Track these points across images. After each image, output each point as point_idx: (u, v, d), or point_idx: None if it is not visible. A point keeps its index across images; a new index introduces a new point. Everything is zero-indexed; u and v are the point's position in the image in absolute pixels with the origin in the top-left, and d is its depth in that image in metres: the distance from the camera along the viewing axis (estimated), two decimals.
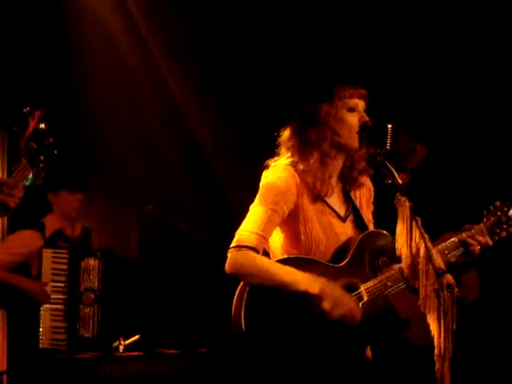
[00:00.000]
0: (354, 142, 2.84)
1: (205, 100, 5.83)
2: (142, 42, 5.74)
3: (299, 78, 5.00)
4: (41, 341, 4.78)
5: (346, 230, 2.91)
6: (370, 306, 2.78)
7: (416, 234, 2.69)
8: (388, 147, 2.78)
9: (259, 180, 2.89)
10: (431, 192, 4.12)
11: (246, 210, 2.85)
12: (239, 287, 2.74)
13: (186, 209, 5.74)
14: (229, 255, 2.75)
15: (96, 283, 4.90)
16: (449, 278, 2.54)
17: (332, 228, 2.87)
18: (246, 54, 5.62)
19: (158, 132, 5.92)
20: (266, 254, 2.87)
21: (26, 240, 5.02)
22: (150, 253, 6.01)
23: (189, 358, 4.96)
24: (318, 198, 2.87)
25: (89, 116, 5.62)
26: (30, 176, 2.67)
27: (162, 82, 5.85)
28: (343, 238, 2.89)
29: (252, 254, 2.73)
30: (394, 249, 2.78)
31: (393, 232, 2.81)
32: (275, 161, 2.92)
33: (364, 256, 2.85)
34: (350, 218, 2.95)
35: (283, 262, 2.78)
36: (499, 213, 2.99)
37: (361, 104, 2.87)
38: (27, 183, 2.68)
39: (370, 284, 2.80)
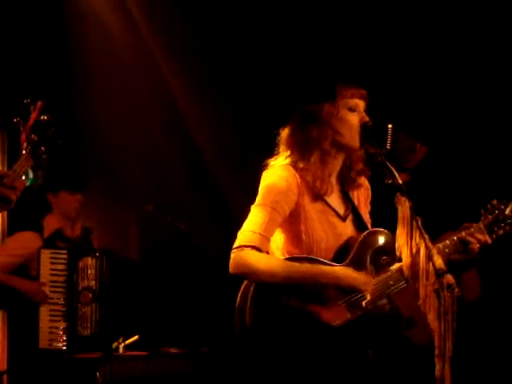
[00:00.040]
0: (355, 142, 2.85)
1: (205, 100, 5.83)
2: (142, 41, 5.74)
3: (299, 78, 5.00)
4: (40, 341, 4.78)
5: (346, 230, 2.92)
6: (372, 304, 2.79)
7: (416, 233, 2.69)
8: (388, 147, 2.78)
9: (259, 180, 2.89)
10: (431, 192, 4.12)
11: (246, 208, 2.85)
12: (244, 285, 2.75)
13: (186, 208, 5.74)
14: (232, 256, 2.76)
15: (94, 282, 4.90)
16: (449, 277, 2.54)
17: (333, 227, 2.88)
18: (246, 54, 5.62)
19: (158, 132, 5.92)
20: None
21: (25, 241, 5.02)
22: (149, 253, 6.01)
23: (189, 358, 4.97)
24: (318, 197, 2.88)
25: (89, 116, 5.62)
26: (31, 171, 2.64)
27: (162, 81, 5.85)
28: (344, 238, 2.89)
29: (256, 252, 2.73)
30: (395, 247, 2.78)
31: (393, 232, 2.81)
32: (274, 159, 2.93)
33: (366, 255, 2.85)
34: (350, 217, 2.96)
35: (288, 260, 2.80)
36: (496, 211, 3.01)
37: (361, 104, 2.89)
38: (27, 183, 2.65)
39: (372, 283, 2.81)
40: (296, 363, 2.68)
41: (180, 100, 5.93)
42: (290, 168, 2.86)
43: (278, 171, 2.86)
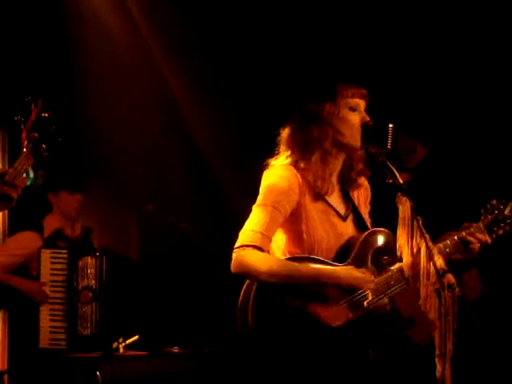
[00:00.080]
0: (356, 141, 2.85)
1: (205, 100, 5.83)
2: (142, 41, 5.74)
3: (300, 78, 5.00)
4: (40, 340, 4.78)
5: (347, 230, 2.92)
6: (374, 304, 2.79)
7: (417, 233, 2.70)
8: (389, 147, 2.78)
9: (259, 180, 2.89)
10: (432, 192, 4.12)
11: (246, 208, 2.85)
12: (246, 284, 2.75)
13: (186, 208, 5.74)
14: (233, 255, 2.75)
15: (94, 282, 4.90)
16: (450, 277, 2.54)
17: (333, 227, 2.88)
18: (246, 54, 5.61)
19: (158, 132, 5.92)
20: None
21: (26, 241, 5.02)
22: (150, 253, 6.01)
23: (190, 358, 4.96)
24: (319, 197, 2.88)
25: (89, 116, 5.62)
26: (32, 170, 2.63)
27: (162, 81, 5.85)
28: (345, 238, 2.89)
29: (257, 252, 2.73)
30: (396, 247, 2.78)
31: (393, 232, 2.81)
32: (275, 159, 2.93)
33: (367, 255, 2.85)
34: (351, 217, 2.97)
35: (290, 260, 2.80)
36: (496, 211, 3.02)
37: (362, 104, 2.90)
38: (28, 183, 2.65)
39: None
40: (298, 363, 2.68)
41: (180, 100, 5.93)
42: (291, 168, 2.86)
43: (279, 171, 2.86)
